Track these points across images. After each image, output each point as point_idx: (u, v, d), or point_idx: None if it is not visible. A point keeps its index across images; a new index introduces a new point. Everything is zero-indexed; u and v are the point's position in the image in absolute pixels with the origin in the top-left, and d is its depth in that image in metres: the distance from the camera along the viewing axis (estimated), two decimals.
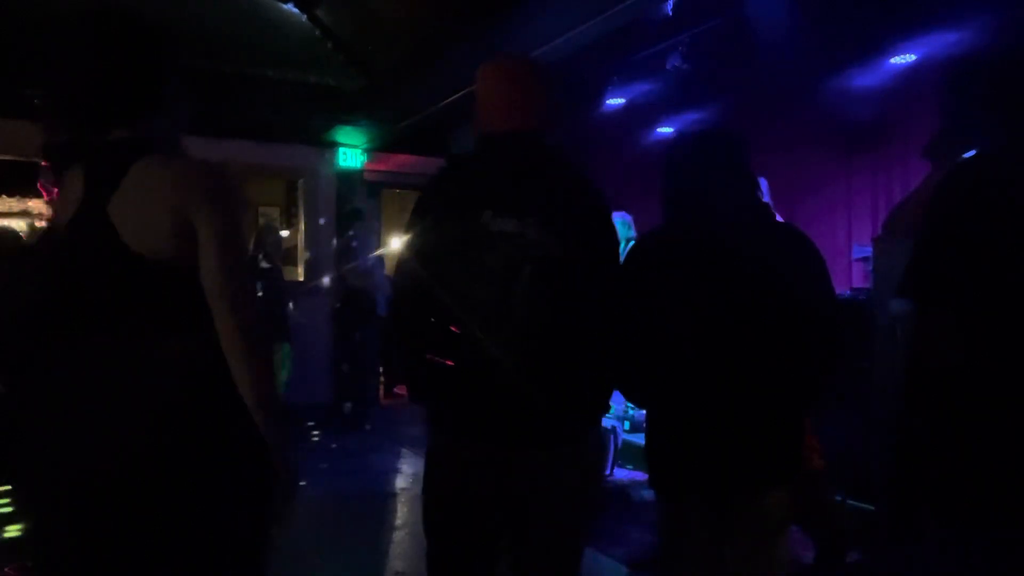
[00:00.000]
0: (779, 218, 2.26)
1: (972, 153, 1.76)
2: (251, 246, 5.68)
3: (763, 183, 3.21)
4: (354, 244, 6.65)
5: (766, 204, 1.92)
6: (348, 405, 6.61)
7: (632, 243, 6.36)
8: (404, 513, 4.40)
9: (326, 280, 7.24)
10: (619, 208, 6.15)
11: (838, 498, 3.55)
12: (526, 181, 1.69)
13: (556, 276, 1.62)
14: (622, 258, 1.89)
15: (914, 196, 2.10)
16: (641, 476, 4.84)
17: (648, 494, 4.44)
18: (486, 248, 1.62)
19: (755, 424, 1.82)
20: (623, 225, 5.92)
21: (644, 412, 5.58)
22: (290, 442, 1.49)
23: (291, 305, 6.23)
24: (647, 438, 2.01)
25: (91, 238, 1.39)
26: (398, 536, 4.01)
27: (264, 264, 5.71)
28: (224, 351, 1.38)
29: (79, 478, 1.36)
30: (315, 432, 6.23)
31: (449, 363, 1.65)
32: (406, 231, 1.77)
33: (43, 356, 1.44)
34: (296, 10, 5.54)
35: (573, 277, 1.64)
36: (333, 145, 7.49)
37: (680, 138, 2.05)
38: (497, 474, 1.68)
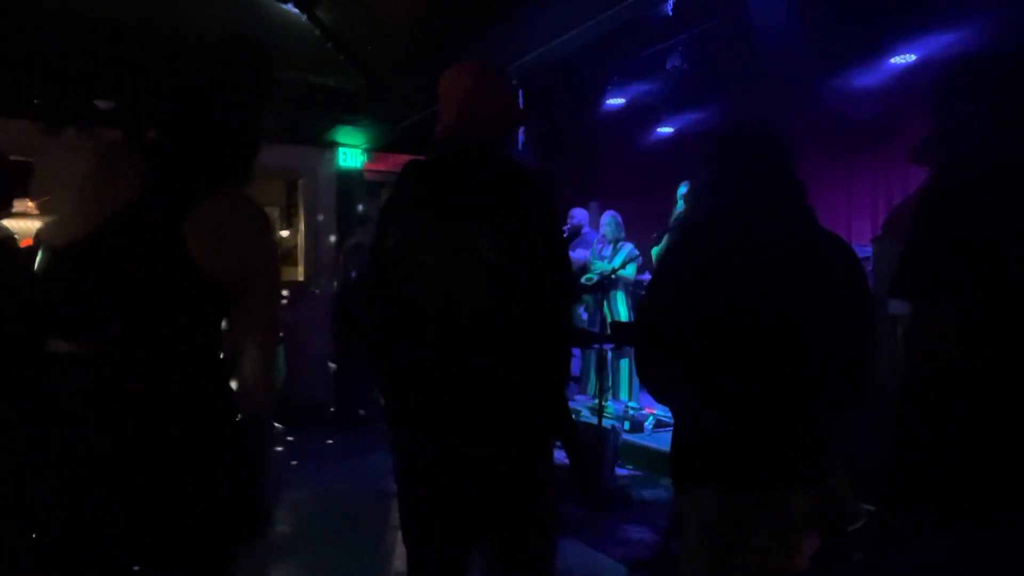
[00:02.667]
0: None
1: (964, 154, 1.76)
2: None
3: None
4: (353, 242, 6.66)
5: (810, 209, 1.91)
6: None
7: (624, 243, 6.30)
8: None
9: (325, 280, 7.24)
10: (613, 207, 6.17)
11: (865, 507, 3.52)
12: (468, 187, 1.73)
13: (494, 280, 1.65)
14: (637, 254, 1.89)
15: (914, 197, 2.10)
16: (641, 476, 4.84)
17: (648, 494, 4.45)
18: (431, 253, 1.68)
19: (784, 425, 1.82)
20: (616, 225, 5.93)
21: (645, 412, 5.56)
22: (266, 462, 1.63)
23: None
24: (675, 431, 2.01)
25: (160, 249, 1.43)
26: (398, 536, 4.00)
27: None
28: (241, 368, 1.50)
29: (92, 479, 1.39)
30: (314, 432, 6.23)
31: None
32: (373, 237, 1.85)
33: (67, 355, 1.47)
34: (296, 10, 5.55)
35: (511, 278, 1.67)
36: (333, 145, 7.49)
37: (725, 137, 2.02)
38: (455, 478, 1.73)
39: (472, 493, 1.74)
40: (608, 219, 5.94)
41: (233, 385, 1.53)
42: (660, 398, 2.12)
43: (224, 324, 1.53)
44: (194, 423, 1.44)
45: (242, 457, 1.53)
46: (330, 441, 6.02)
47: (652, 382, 2.02)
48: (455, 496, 1.75)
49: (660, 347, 1.94)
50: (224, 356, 1.54)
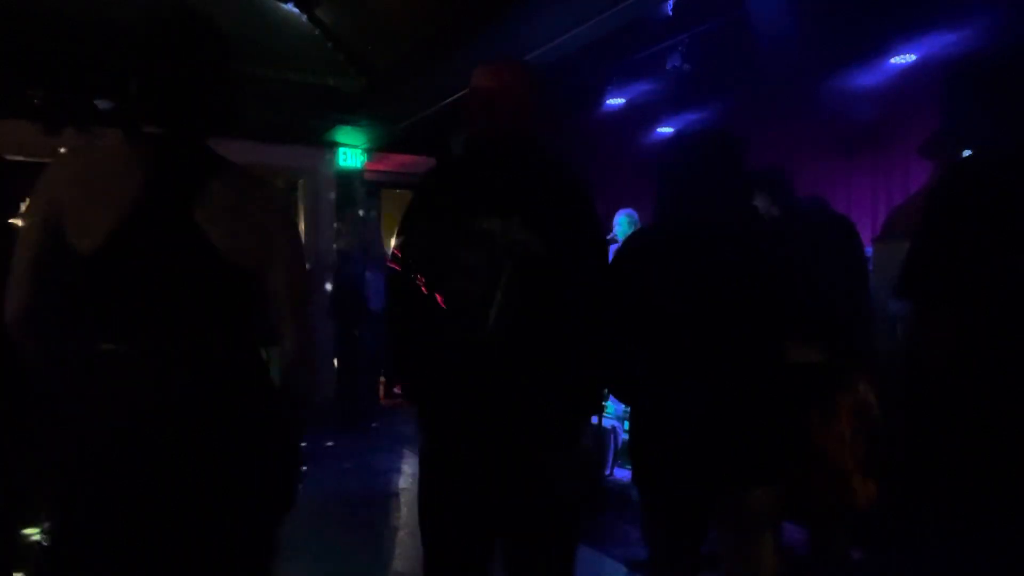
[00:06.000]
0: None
1: (968, 153, 1.77)
2: None
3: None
4: (348, 255, 6.65)
5: (753, 206, 1.95)
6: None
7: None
8: (404, 513, 4.40)
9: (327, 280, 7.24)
10: (625, 207, 6.17)
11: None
12: (512, 182, 1.71)
13: (539, 274, 1.63)
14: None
15: (915, 198, 2.11)
16: None
17: None
18: (471, 247, 1.64)
19: (739, 421, 1.83)
20: (630, 223, 5.93)
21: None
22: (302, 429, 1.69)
23: None
24: (631, 435, 2.02)
25: (174, 236, 1.46)
26: (398, 536, 4.01)
27: None
28: (286, 348, 1.59)
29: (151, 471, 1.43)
30: (314, 432, 6.23)
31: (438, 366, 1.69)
32: (397, 232, 1.81)
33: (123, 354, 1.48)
34: (296, 10, 5.54)
35: (557, 275, 1.65)
36: (333, 145, 7.49)
37: (673, 138, 2.08)
38: (488, 477, 1.70)
39: (505, 491, 1.70)
40: (622, 218, 5.92)
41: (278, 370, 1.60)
42: (618, 395, 2.16)
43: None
44: (237, 412, 1.49)
45: (281, 445, 1.58)
46: (330, 441, 6.02)
47: (608, 381, 2.05)
48: (486, 495, 1.71)
49: (611, 347, 1.96)
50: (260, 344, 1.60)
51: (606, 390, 1.91)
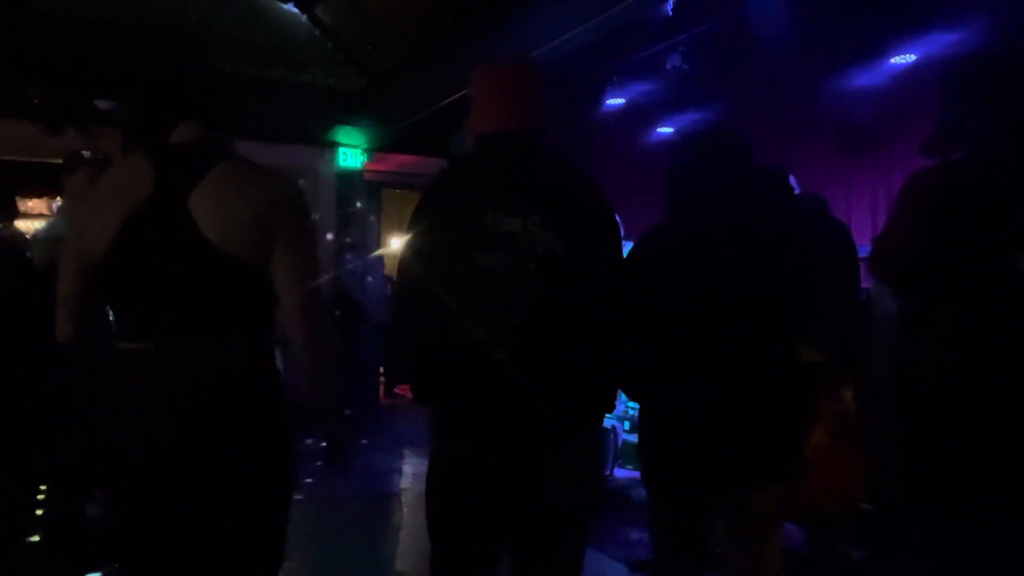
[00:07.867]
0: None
1: (971, 153, 1.77)
2: None
3: (792, 180, 3.26)
4: (348, 255, 6.64)
5: (762, 206, 1.95)
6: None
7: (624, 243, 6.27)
8: (405, 513, 4.40)
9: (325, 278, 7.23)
10: (624, 206, 6.17)
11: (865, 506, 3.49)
12: (528, 180, 1.68)
13: (561, 275, 1.61)
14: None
15: (899, 211, 2.10)
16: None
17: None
18: (489, 248, 1.60)
19: (745, 421, 1.83)
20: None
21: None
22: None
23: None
24: (640, 434, 2.03)
25: (170, 229, 1.48)
26: (399, 536, 4.01)
27: None
28: (293, 345, 1.56)
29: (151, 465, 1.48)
30: (314, 432, 6.22)
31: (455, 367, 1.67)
32: (407, 233, 1.76)
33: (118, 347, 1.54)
34: (296, 10, 5.55)
35: (578, 275, 1.63)
36: (333, 145, 7.49)
37: (683, 139, 2.07)
38: (501, 478, 1.67)
39: (522, 492, 1.68)
40: None
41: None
42: (629, 394, 2.16)
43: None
44: (244, 407, 1.52)
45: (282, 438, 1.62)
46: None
47: (622, 378, 2.05)
48: (504, 497, 1.68)
49: (621, 346, 1.97)
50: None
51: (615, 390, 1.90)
